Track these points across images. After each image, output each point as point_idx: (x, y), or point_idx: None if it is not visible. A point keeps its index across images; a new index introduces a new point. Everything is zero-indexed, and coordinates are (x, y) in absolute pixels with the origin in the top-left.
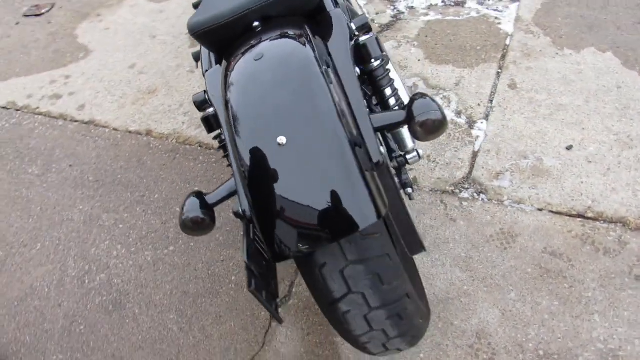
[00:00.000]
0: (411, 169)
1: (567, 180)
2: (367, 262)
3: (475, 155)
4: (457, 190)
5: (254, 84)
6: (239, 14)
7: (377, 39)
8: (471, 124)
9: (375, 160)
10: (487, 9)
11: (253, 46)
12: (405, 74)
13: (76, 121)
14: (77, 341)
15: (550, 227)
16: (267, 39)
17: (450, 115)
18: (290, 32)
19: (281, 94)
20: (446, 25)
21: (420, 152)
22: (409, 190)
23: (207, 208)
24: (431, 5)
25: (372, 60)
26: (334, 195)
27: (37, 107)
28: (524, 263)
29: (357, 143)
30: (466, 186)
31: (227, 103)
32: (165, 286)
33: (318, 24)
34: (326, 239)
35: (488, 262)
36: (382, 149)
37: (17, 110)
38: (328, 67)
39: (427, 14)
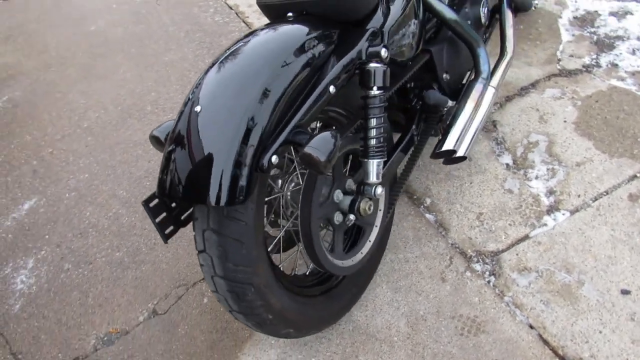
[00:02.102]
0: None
1: (586, 319)
2: (222, 237)
3: (523, 239)
4: (474, 259)
5: (226, 58)
6: (287, 1)
7: (385, 71)
8: (552, 210)
9: (260, 164)
10: None
11: (259, 30)
12: (538, 128)
13: None
14: None
15: (523, 348)
16: (271, 30)
17: (540, 188)
18: (297, 32)
19: (228, 73)
20: (630, 100)
21: (379, 190)
22: (351, 217)
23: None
24: (638, 72)
25: (372, 89)
26: (209, 168)
27: None
28: (464, 356)
29: (259, 143)
30: (486, 261)
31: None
32: None
33: (343, 36)
34: (187, 199)
35: (435, 335)
36: (274, 159)
37: None
38: (314, 72)
39: (622, 79)
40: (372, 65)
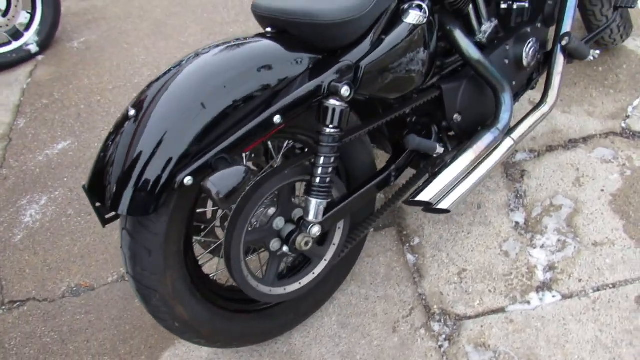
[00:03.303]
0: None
1: None
2: (133, 241)
3: (496, 311)
4: (436, 317)
5: (181, 65)
6: (270, 15)
7: (343, 111)
8: (544, 288)
9: (172, 181)
10: None
11: (224, 42)
12: (568, 191)
13: None
14: None
15: None
16: (237, 44)
17: (541, 260)
18: (263, 50)
19: (172, 82)
20: None
21: (315, 229)
22: (284, 248)
23: None
24: None
25: (326, 127)
26: (125, 174)
27: None
28: None
29: (179, 160)
30: (448, 323)
31: None
32: None
33: (314, 64)
34: (102, 200)
35: None
36: (187, 180)
37: None
38: (267, 97)
39: None
40: (330, 102)
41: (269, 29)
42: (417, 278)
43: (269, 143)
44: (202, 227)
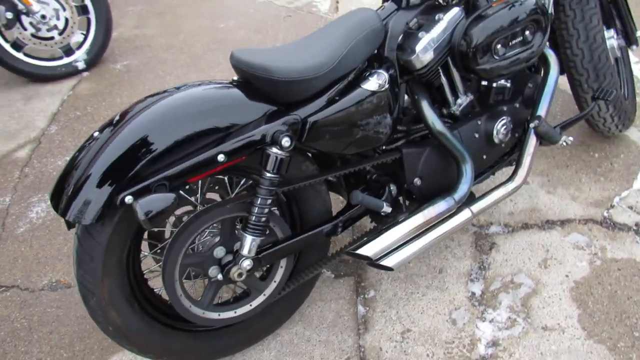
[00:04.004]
0: None
1: None
2: (79, 244)
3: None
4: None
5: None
6: (238, 66)
7: (282, 160)
8: None
9: (115, 198)
10: None
11: (197, 82)
12: (532, 271)
13: None
14: None
15: None
16: (204, 85)
17: (486, 334)
18: (222, 94)
19: (137, 111)
20: None
21: (245, 263)
22: (219, 276)
23: None
24: None
25: (265, 172)
26: (76, 185)
27: None
28: None
29: (126, 180)
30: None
31: None
32: None
33: (268, 113)
34: (55, 206)
35: None
36: (128, 199)
37: None
38: (218, 137)
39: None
40: (272, 150)
41: (234, 78)
42: (361, 330)
43: (228, 178)
44: (157, 245)
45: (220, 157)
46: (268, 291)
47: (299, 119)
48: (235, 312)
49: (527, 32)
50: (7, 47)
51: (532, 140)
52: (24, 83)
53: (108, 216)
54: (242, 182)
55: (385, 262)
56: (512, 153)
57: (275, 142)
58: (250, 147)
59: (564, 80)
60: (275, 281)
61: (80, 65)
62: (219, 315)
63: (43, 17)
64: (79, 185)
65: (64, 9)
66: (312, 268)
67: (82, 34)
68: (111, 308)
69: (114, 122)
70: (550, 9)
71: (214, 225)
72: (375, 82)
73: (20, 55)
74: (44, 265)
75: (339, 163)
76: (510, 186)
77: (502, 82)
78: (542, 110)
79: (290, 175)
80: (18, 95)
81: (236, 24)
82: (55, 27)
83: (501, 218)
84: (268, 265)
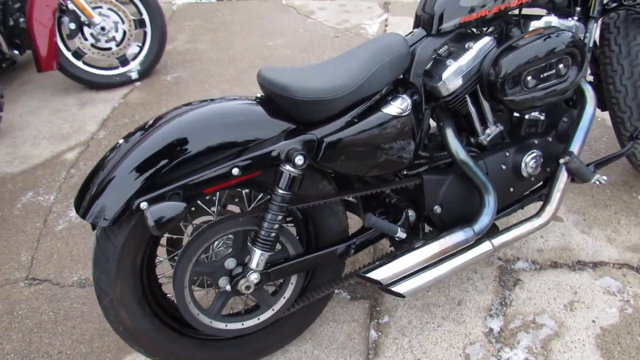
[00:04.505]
0: None
1: None
2: (99, 247)
3: None
4: None
5: (177, 110)
6: (263, 83)
7: (294, 178)
8: None
9: (131, 203)
10: None
11: (221, 97)
12: (557, 312)
13: None
14: None
15: None
16: (229, 100)
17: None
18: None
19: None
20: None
21: (253, 277)
22: (227, 287)
23: None
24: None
25: (278, 188)
26: (98, 188)
27: None
28: None
29: (143, 186)
30: None
31: None
32: None
33: (287, 131)
34: (76, 207)
35: None
36: (143, 205)
37: None
38: (237, 150)
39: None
40: (285, 167)
41: (258, 95)
42: (371, 355)
43: (248, 191)
44: (174, 251)
45: (235, 171)
46: (277, 306)
47: (315, 139)
48: (242, 324)
49: (560, 66)
50: (69, 55)
51: (563, 177)
52: (80, 90)
53: (125, 220)
54: (260, 196)
55: (397, 289)
56: (543, 187)
57: (289, 159)
58: (265, 163)
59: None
60: (285, 297)
61: (134, 75)
62: (226, 325)
63: (103, 28)
64: (101, 189)
65: (123, 22)
66: (323, 287)
67: (138, 45)
68: (122, 309)
69: (137, 133)
70: (592, 43)
71: (228, 236)
72: (397, 107)
73: (79, 64)
74: (77, 262)
75: (357, 185)
76: (537, 222)
77: (536, 114)
78: (574, 146)
79: (306, 194)
80: (74, 100)
81: (284, 43)
82: (114, 38)
83: (529, 254)
84: (279, 280)
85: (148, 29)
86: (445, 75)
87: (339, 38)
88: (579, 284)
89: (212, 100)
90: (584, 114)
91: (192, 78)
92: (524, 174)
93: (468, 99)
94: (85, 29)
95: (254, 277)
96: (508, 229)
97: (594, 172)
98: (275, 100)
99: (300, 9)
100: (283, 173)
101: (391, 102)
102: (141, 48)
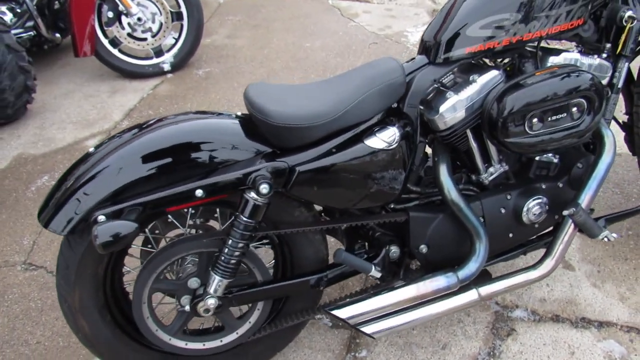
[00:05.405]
0: None
1: None
2: (62, 254)
3: None
4: None
5: (147, 123)
6: (246, 102)
7: (257, 207)
8: None
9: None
10: None
11: (195, 112)
12: None
13: None
14: None
15: None
16: (202, 115)
17: None
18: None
19: (132, 136)
20: None
21: (209, 301)
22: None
23: None
24: None
25: (240, 214)
26: (62, 200)
27: None
28: None
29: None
30: None
31: None
32: None
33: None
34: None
35: None
36: (100, 218)
37: None
38: (204, 170)
39: None
40: (249, 195)
41: (238, 113)
42: None
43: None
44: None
45: (199, 192)
46: (241, 331)
47: (286, 167)
48: (203, 345)
49: (574, 109)
50: (106, 42)
51: (569, 229)
52: (115, 77)
53: (87, 230)
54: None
55: (366, 329)
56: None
57: (254, 186)
58: (230, 187)
59: None
60: (250, 322)
61: (166, 67)
62: (186, 344)
63: (139, 19)
64: (64, 199)
65: (160, 14)
66: (294, 316)
67: (174, 38)
68: (80, 316)
69: (108, 144)
70: (621, 83)
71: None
72: (382, 139)
73: (115, 52)
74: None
75: (337, 214)
76: (533, 274)
77: (549, 156)
78: (584, 197)
79: (279, 219)
80: (106, 87)
81: (321, 45)
82: (150, 29)
83: (530, 303)
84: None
85: (185, 22)
86: (442, 108)
87: (378, 45)
88: (578, 343)
89: (192, 113)
90: (600, 163)
91: (223, 75)
92: (525, 220)
93: (470, 135)
94: (123, 18)
95: (211, 302)
96: (500, 277)
97: (604, 227)
98: (252, 119)
99: (345, 11)
100: (247, 201)
101: (376, 134)
102: (177, 40)
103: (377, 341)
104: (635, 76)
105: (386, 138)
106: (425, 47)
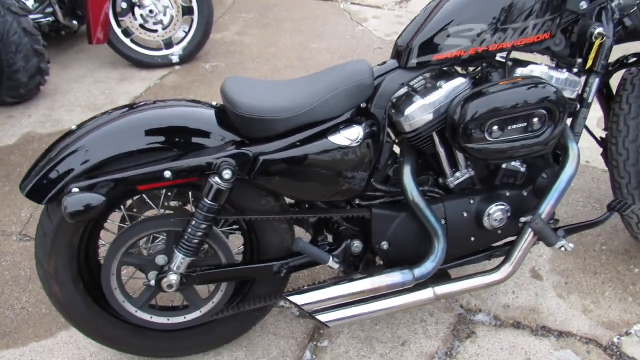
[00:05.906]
0: None
1: None
2: (40, 223)
3: None
4: None
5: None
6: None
7: (219, 191)
8: None
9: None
10: None
11: (173, 99)
12: None
13: None
14: None
15: None
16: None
17: None
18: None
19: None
20: None
21: (172, 277)
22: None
23: None
24: None
25: (204, 199)
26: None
27: None
28: None
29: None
30: None
31: None
32: None
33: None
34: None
35: None
36: (74, 190)
37: None
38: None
39: None
40: (213, 179)
41: (214, 103)
42: None
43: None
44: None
45: (167, 174)
46: (204, 310)
47: (250, 155)
48: (168, 320)
49: (535, 120)
50: (119, 32)
51: (528, 237)
52: (125, 66)
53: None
54: None
55: (321, 317)
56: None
57: (218, 172)
58: (196, 171)
59: None
60: (213, 302)
61: (175, 59)
62: (151, 317)
63: (151, 11)
64: (46, 171)
65: (172, 8)
66: (257, 301)
67: (184, 31)
68: (54, 282)
69: (91, 122)
70: (592, 98)
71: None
72: (346, 136)
73: (127, 41)
74: None
75: (305, 207)
76: (490, 278)
77: (517, 165)
78: (545, 207)
79: (246, 206)
80: (116, 75)
81: (327, 47)
82: (161, 22)
83: (494, 308)
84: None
85: (195, 17)
86: (408, 111)
87: (382, 50)
88: (535, 350)
89: (173, 100)
90: (562, 174)
91: (228, 70)
92: (487, 225)
93: (437, 139)
94: (136, 9)
95: (173, 278)
96: (459, 279)
97: (563, 237)
98: (226, 111)
99: (355, 15)
100: (212, 185)
101: (341, 131)
102: (187, 34)
103: (340, 333)
104: (614, 92)
105: (350, 136)
106: (398, 52)
